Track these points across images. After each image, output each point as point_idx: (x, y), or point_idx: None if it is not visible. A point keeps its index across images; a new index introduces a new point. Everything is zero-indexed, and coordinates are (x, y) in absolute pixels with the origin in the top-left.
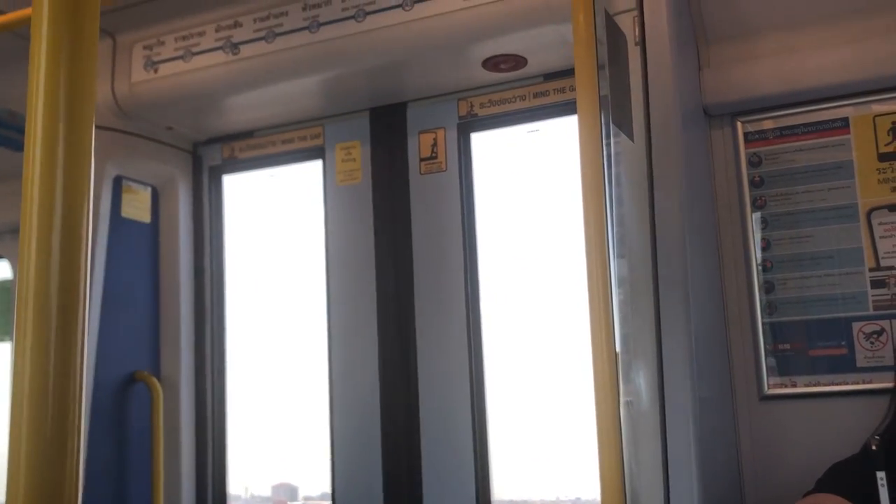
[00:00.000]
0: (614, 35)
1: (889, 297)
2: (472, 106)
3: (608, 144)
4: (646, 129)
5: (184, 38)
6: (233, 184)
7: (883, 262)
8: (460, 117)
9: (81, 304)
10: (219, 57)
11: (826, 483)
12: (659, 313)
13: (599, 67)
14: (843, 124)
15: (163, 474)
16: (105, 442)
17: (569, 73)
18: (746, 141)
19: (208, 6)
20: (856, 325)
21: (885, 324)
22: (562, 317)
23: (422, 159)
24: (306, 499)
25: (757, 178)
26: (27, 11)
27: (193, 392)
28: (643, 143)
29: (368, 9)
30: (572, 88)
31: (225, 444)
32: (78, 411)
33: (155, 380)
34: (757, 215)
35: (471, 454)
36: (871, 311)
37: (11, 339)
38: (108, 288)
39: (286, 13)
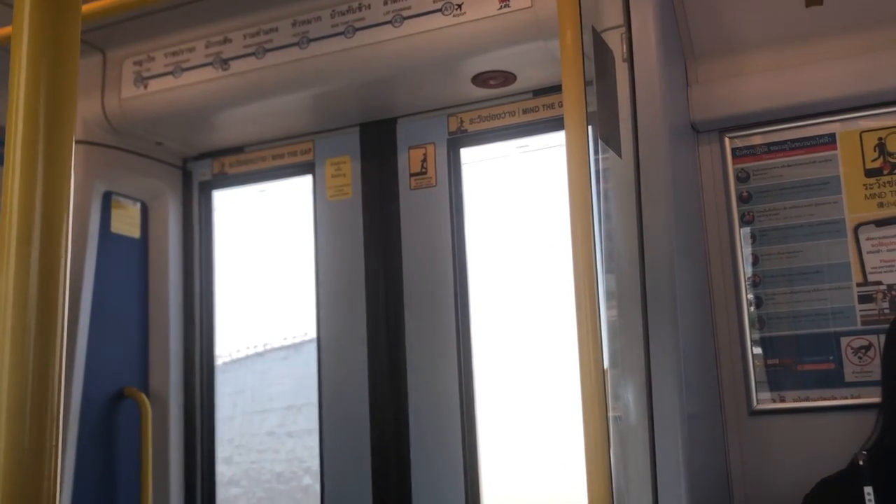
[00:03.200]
0: (602, 52)
1: (876, 311)
2: (461, 121)
3: (596, 160)
4: (633, 145)
5: (174, 53)
6: (223, 199)
7: (870, 277)
8: (450, 133)
9: (60, 320)
10: (209, 73)
11: (814, 499)
12: (647, 328)
13: (587, 84)
14: (830, 140)
15: (151, 490)
16: (94, 458)
17: (558, 89)
18: (734, 156)
19: (198, 22)
20: (844, 340)
21: (872, 339)
22: (551, 331)
23: (412, 174)
24: None
25: (745, 194)
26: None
27: (182, 408)
28: (631, 159)
29: (358, 25)
30: (561, 104)
31: (214, 459)
32: (56, 428)
33: (143, 396)
34: (745, 230)
35: (460, 464)
36: (859, 326)
37: None
38: (97, 303)
39: (276, 29)
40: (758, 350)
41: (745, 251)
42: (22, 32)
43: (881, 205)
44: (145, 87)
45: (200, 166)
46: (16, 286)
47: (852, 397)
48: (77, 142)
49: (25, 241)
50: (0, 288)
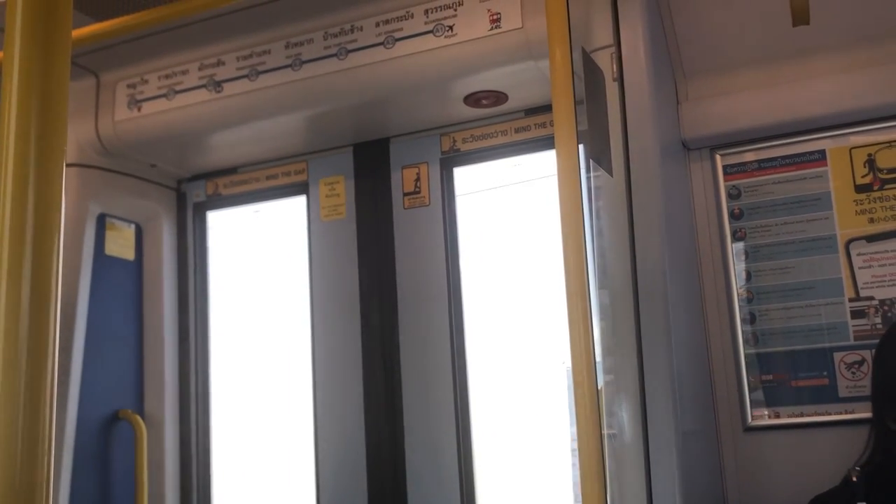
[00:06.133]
0: (592, 71)
1: (869, 326)
2: (454, 141)
3: (588, 178)
4: (625, 164)
5: (167, 76)
6: (217, 220)
7: (862, 293)
8: (443, 152)
9: (52, 343)
10: (202, 95)
11: None
12: (641, 345)
13: (578, 103)
14: (820, 156)
15: None
16: (89, 481)
17: (549, 108)
18: (725, 173)
19: (191, 45)
20: (837, 356)
21: (865, 353)
22: (546, 349)
23: (405, 194)
24: None
25: (736, 211)
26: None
27: (177, 430)
28: (622, 177)
29: (350, 46)
30: (553, 123)
31: (209, 482)
32: (49, 453)
33: (139, 418)
34: (737, 247)
35: (456, 485)
36: (852, 342)
37: None
38: (92, 326)
39: (269, 51)
40: (752, 366)
41: (737, 267)
42: (13, 57)
43: (872, 220)
44: (139, 109)
45: (194, 187)
46: (7, 309)
47: (846, 412)
48: (71, 164)
49: (17, 264)
50: None
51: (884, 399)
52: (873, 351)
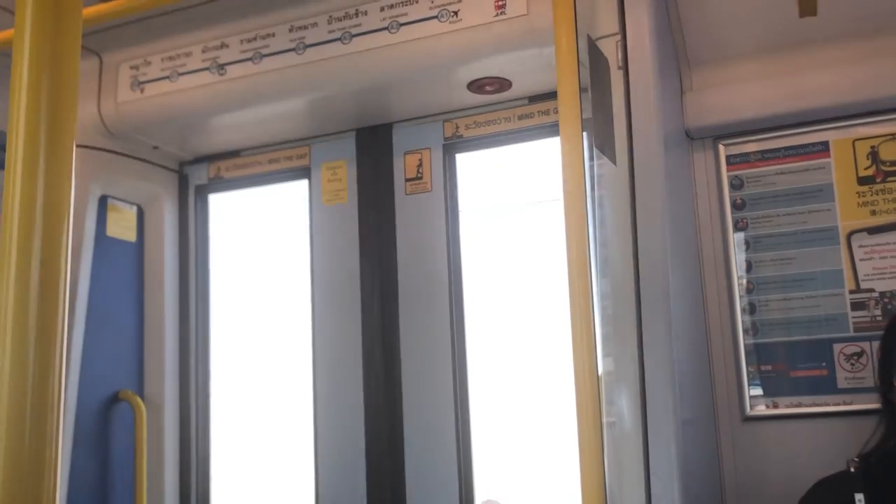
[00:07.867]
0: (597, 59)
1: (869, 318)
2: (457, 127)
3: (591, 167)
4: (628, 152)
5: (170, 58)
6: (219, 203)
7: (863, 285)
8: (446, 138)
9: (60, 324)
10: (205, 77)
11: (810, 500)
12: (641, 335)
13: (582, 91)
14: (823, 148)
15: (146, 494)
16: (88, 461)
17: (553, 95)
18: (728, 164)
19: (195, 27)
20: (836, 347)
21: (864, 345)
22: (545, 336)
23: (407, 179)
24: None
25: (739, 201)
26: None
27: (177, 411)
28: (625, 166)
29: (354, 31)
30: (556, 111)
31: (209, 463)
32: (56, 431)
33: (139, 399)
34: (739, 237)
35: (455, 472)
36: (852, 333)
37: None
38: (93, 307)
39: (273, 34)
40: (751, 356)
41: (738, 258)
42: (23, 37)
43: (874, 212)
44: (142, 91)
45: (197, 170)
46: (16, 290)
47: (845, 403)
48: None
49: (26, 245)
50: (0, 292)
51: (889, 383)
52: (875, 342)
